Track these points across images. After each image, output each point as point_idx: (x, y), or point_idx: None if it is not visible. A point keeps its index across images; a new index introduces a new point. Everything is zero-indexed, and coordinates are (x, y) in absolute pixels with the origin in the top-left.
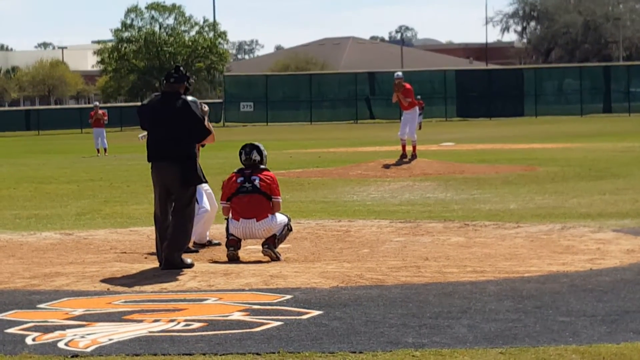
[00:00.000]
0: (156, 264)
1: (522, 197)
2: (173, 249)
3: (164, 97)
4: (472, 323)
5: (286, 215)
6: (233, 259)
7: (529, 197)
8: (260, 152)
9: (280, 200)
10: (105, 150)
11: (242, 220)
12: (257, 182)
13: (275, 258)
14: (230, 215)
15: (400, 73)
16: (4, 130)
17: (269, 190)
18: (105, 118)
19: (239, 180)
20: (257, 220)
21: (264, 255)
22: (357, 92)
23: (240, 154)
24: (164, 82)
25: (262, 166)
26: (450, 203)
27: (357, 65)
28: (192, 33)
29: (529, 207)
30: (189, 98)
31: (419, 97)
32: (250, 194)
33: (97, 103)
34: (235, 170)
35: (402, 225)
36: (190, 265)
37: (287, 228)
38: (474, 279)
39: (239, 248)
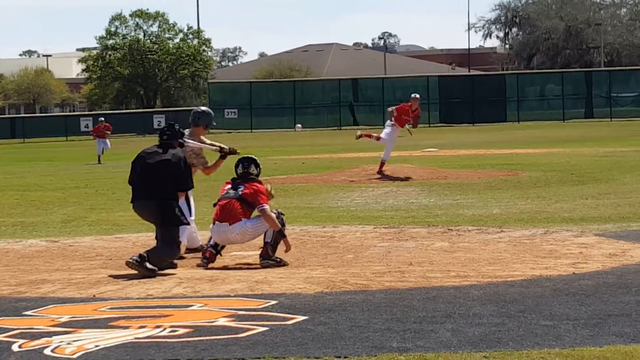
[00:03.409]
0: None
1: (505, 202)
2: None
3: (159, 147)
4: (456, 327)
5: (280, 219)
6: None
7: (512, 202)
8: (257, 166)
9: (266, 208)
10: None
11: (217, 224)
12: (240, 189)
13: (277, 265)
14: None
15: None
16: None
17: (251, 198)
18: (108, 132)
19: (226, 187)
20: (229, 224)
21: (263, 268)
22: (340, 98)
23: (237, 166)
24: (159, 138)
25: (251, 176)
26: (434, 208)
27: (341, 71)
28: (177, 40)
29: (512, 211)
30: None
31: (390, 108)
32: (229, 199)
33: (102, 119)
34: (230, 179)
35: (386, 230)
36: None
37: (278, 232)
38: (457, 283)
39: (212, 261)
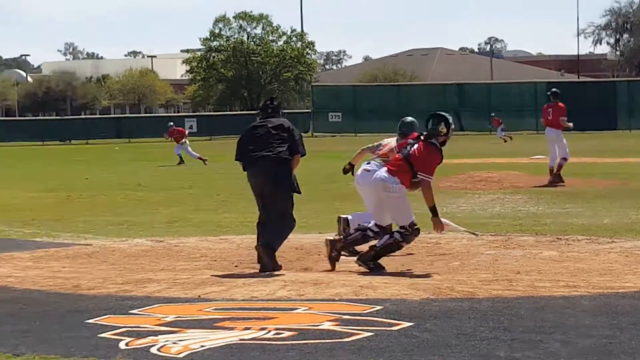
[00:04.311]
0: (247, 272)
1: (615, 212)
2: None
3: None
4: (565, 338)
5: (411, 222)
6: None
7: (623, 212)
8: (448, 125)
9: (428, 180)
10: (202, 160)
11: (373, 172)
12: (412, 148)
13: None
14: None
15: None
16: (95, 138)
17: (416, 161)
18: (180, 137)
19: (409, 141)
20: (381, 179)
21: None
22: (445, 103)
23: (427, 121)
24: (261, 112)
25: (434, 138)
26: (542, 217)
27: (446, 76)
28: (280, 43)
29: (624, 222)
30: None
31: (493, 114)
32: (399, 155)
33: (172, 123)
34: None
35: (493, 238)
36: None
37: (397, 237)
38: (567, 293)
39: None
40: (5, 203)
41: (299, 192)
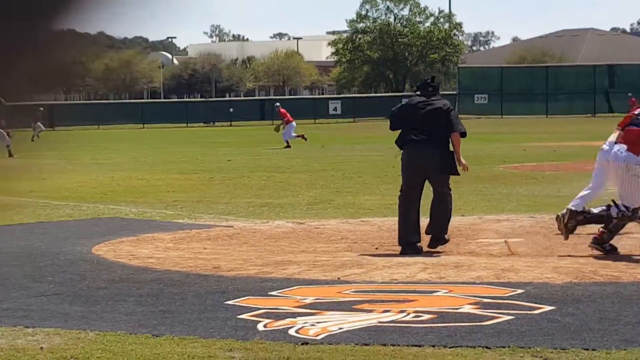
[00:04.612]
0: (387, 254)
1: None
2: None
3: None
4: None
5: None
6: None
7: None
8: None
9: None
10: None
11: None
12: None
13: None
14: None
15: None
16: (239, 120)
17: None
18: (284, 119)
19: (637, 112)
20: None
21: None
22: (595, 85)
23: None
24: (420, 91)
25: None
26: None
27: (596, 57)
28: (427, 24)
29: None
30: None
31: (629, 94)
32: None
33: (278, 104)
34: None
35: None
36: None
37: (612, 213)
38: None
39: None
40: (149, 185)
41: (458, 174)
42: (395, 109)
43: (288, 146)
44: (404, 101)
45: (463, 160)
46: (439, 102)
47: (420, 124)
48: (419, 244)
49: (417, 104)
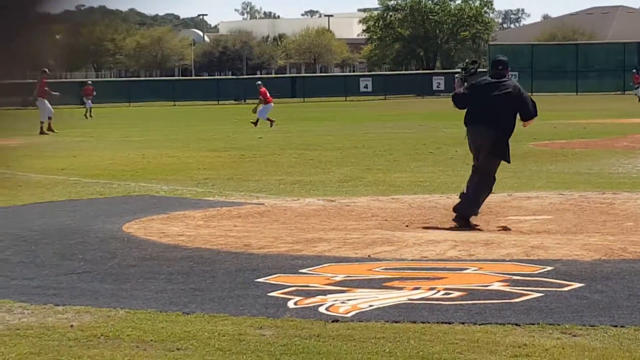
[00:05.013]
0: (416, 231)
1: None
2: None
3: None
4: None
5: None
6: None
7: None
8: None
9: None
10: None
11: None
12: None
13: None
14: None
15: None
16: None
17: None
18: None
19: None
20: None
21: None
22: (625, 62)
23: None
24: (492, 68)
25: None
26: None
27: (627, 35)
28: (458, 1)
29: None
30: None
31: (634, 70)
32: None
33: (259, 82)
34: None
35: None
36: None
37: None
38: None
39: None
40: (180, 162)
41: (509, 161)
42: (464, 88)
43: (255, 123)
44: (476, 80)
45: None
46: (510, 85)
47: (486, 105)
48: (473, 216)
49: (487, 85)
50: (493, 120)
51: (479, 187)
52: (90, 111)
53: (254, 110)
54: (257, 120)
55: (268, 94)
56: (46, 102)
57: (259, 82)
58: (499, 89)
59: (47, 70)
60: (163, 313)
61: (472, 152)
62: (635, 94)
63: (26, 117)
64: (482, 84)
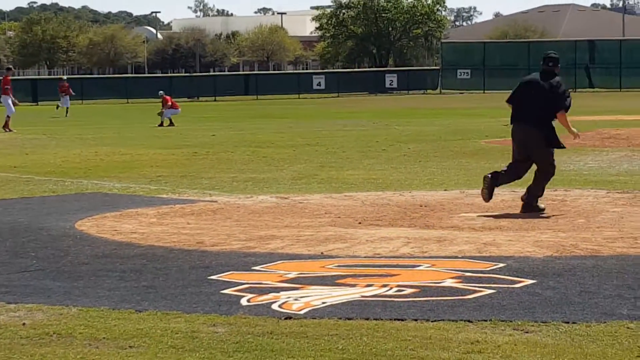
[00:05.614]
0: (369, 228)
1: None
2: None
3: (544, 74)
4: None
5: None
6: None
7: None
8: None
9: None
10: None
11: None
12: None
13: None
14: None
15: None
16: (223, 95)
17: None
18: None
19: None
20: None
21: None
22: (576, 60)
23: None
24: (543, 64)
25: None
26: None
27: (577, 33)
28: None
29: None
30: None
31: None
32: None
33: (162, 92)
34: None
35: (620, 195)
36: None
37: None
38: None
39: None
40: (133, 160)
41: (563, 146)
42: (519, 83)
43: (161, 124)
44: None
45: (574, 130)
46: (551, 82)
47: (525, 102)
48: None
49: (528, 83)
50: (533, 116)
51: (540, 178)
52: (67, 111)
53: (159, 114)
54: (163, 123)
55: (171, 101)
56: (10, 100)
57: (161, 92)
58: (536, 86)
59: (12, 67)
60: (116, 311)
61: (515, 146)
62: None
63: None
64: (524, 80)
